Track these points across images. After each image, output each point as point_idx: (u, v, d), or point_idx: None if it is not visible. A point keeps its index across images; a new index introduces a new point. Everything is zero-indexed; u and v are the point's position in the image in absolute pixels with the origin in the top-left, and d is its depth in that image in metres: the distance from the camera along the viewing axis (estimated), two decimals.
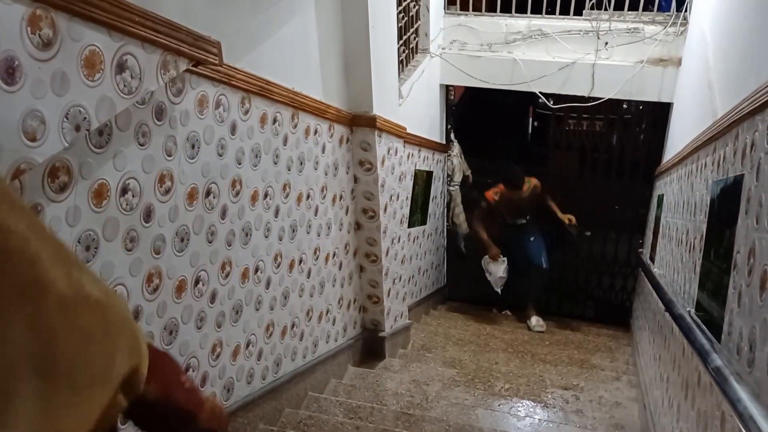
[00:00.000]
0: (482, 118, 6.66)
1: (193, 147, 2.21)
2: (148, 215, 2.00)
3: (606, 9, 5.07)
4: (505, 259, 5.68)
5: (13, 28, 1.33)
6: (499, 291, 5.80)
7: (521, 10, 5.31)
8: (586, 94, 5.08)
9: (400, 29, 4.31)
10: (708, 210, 2.39)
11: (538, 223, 5.71)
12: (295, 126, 3.00)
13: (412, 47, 4.87)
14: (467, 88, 6.46)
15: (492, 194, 5.53)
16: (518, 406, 3.61)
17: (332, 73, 3.41)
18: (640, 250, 5.40)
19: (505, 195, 5.46)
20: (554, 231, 5.67)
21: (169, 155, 2.08)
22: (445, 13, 5.43)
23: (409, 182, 4.65)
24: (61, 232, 1.64)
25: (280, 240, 2.96)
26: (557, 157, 6.57)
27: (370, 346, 4.13)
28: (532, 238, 5.64)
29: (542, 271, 5.64)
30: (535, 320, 5.51)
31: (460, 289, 6.34)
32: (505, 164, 5.70)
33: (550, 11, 5.26)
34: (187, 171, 2.19)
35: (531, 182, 5.49)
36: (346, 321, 3.88)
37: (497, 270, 5.69)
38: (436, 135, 5.61)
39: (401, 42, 4.42)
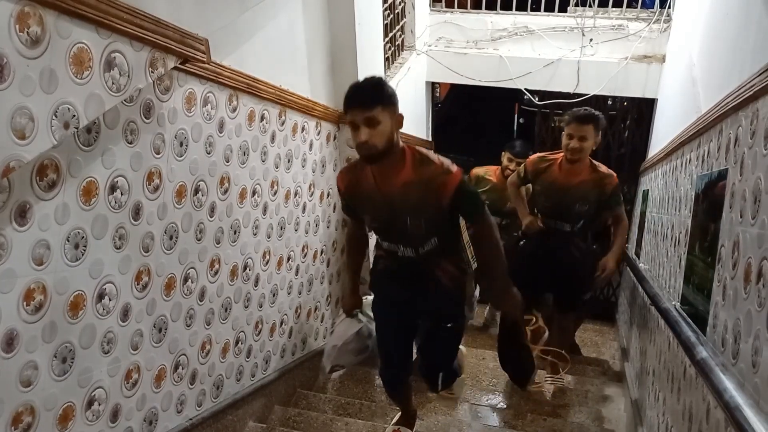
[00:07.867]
0: (467, 115, 6.68)
1: (181, 145, 2.20)
2: (136, 213, 2.00)
3: (591, 6, 5.10)
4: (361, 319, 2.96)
5: (2, 25, 1.32)
6: (327, 368, 3.04)
7: (506, 7, 5.33)
8: (571, 91, 5.11)
9: (385, 26, 4.31)
10: (693, 205, 2.42)
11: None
12: (283, 123, 3.00)
13: (398, 44, 4.86)
14: (452, 86, 6.47)
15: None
16: (505, 401, 3.63)
17: (319, 71, 3.41)
18: (626, 245, 5.44)
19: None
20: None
21: (158, 153, 2.08)
22: (431, 10, 5.43)
23: None
24: (50, 230, 1.64)
25: (269, 237, 2.96)
26: None
27: None
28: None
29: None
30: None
31: None
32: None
33: (536, 8, 5.29)
34: (175, 169, 2.18)
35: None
36: (335, 318, 3.88)
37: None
38: (423, 132, 5.62)
39: (387, 39, 4.42)
